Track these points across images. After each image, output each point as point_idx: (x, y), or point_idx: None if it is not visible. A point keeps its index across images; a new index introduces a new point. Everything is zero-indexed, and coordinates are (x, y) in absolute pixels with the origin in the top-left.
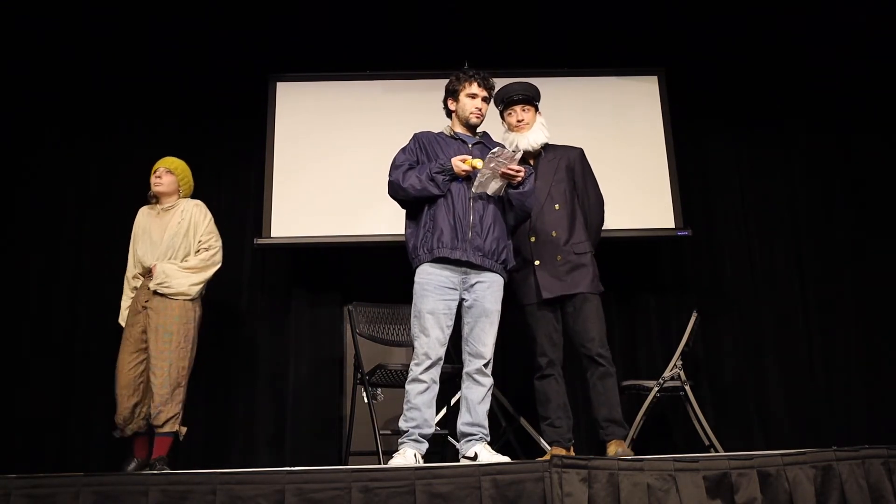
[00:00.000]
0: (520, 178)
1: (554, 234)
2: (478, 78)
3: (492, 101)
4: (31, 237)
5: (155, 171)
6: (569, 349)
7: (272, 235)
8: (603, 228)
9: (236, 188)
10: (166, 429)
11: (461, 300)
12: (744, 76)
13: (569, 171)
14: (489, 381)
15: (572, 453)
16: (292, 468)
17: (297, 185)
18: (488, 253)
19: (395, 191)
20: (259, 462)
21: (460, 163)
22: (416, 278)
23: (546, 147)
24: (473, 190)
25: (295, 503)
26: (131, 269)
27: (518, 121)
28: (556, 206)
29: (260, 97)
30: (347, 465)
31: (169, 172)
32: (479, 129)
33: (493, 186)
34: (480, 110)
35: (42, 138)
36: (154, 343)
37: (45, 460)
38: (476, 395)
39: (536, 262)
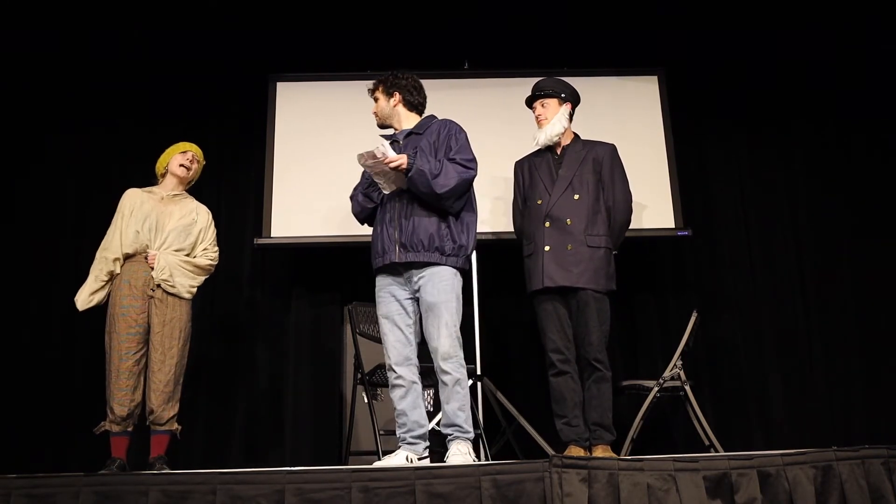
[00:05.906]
0: (404, 166)
1: (569, 221)
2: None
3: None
4: (32, 238)
5: (184, 153)
6: None
7: (272, 235)
8: None
9: (236, 188)
10: (167, 426)
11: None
12: (744, 76)
13: (596, 164)
14: (452, 377)
15: (588, 453)
16: (292, 468)
17: (297, 185)
18: (418, 246)
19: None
20: (259, 462)
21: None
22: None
23: (577, 139)
24: (383, 191)
25: (295, 503)
26: (115, 251)
27: (536, 116)
28: (576, 196)
29: (260, 97)
30: (347, 465)
31: (198, 161)
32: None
33: (393, 180)
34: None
35: (41, 139)
36: (162, 337)
37: (45, 460)
38: (444, 396)
39: (546, 248)
